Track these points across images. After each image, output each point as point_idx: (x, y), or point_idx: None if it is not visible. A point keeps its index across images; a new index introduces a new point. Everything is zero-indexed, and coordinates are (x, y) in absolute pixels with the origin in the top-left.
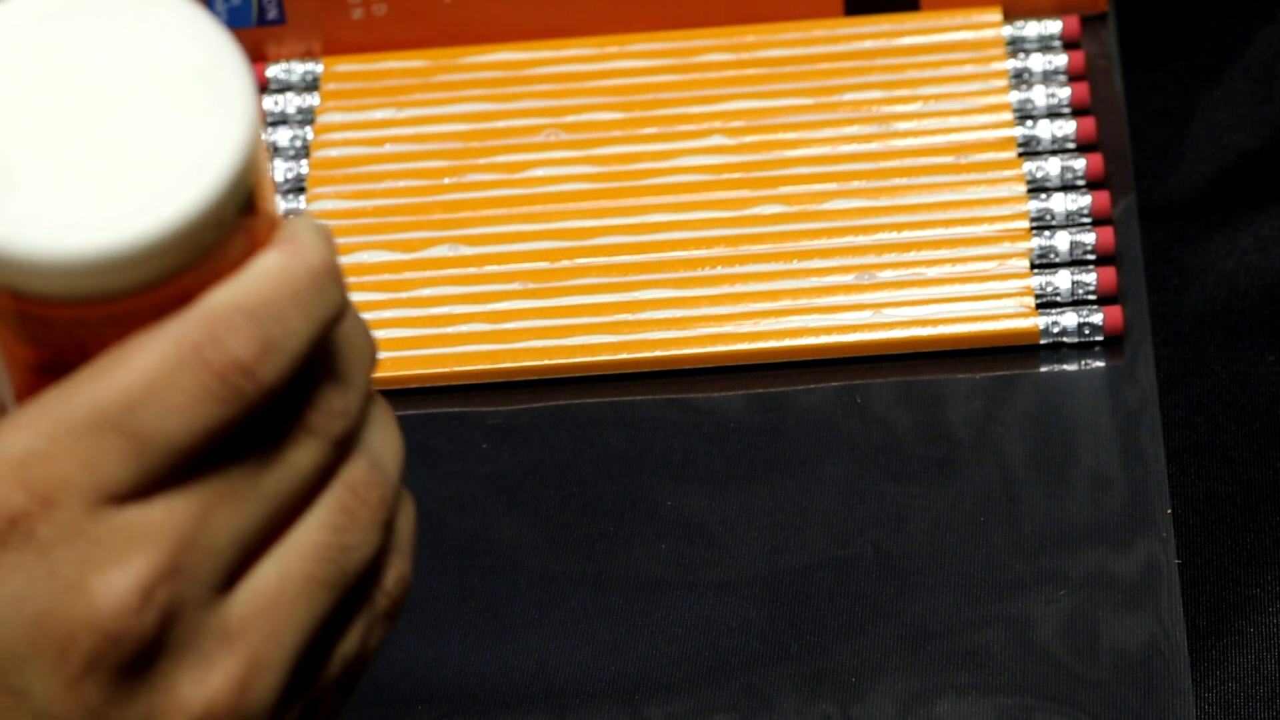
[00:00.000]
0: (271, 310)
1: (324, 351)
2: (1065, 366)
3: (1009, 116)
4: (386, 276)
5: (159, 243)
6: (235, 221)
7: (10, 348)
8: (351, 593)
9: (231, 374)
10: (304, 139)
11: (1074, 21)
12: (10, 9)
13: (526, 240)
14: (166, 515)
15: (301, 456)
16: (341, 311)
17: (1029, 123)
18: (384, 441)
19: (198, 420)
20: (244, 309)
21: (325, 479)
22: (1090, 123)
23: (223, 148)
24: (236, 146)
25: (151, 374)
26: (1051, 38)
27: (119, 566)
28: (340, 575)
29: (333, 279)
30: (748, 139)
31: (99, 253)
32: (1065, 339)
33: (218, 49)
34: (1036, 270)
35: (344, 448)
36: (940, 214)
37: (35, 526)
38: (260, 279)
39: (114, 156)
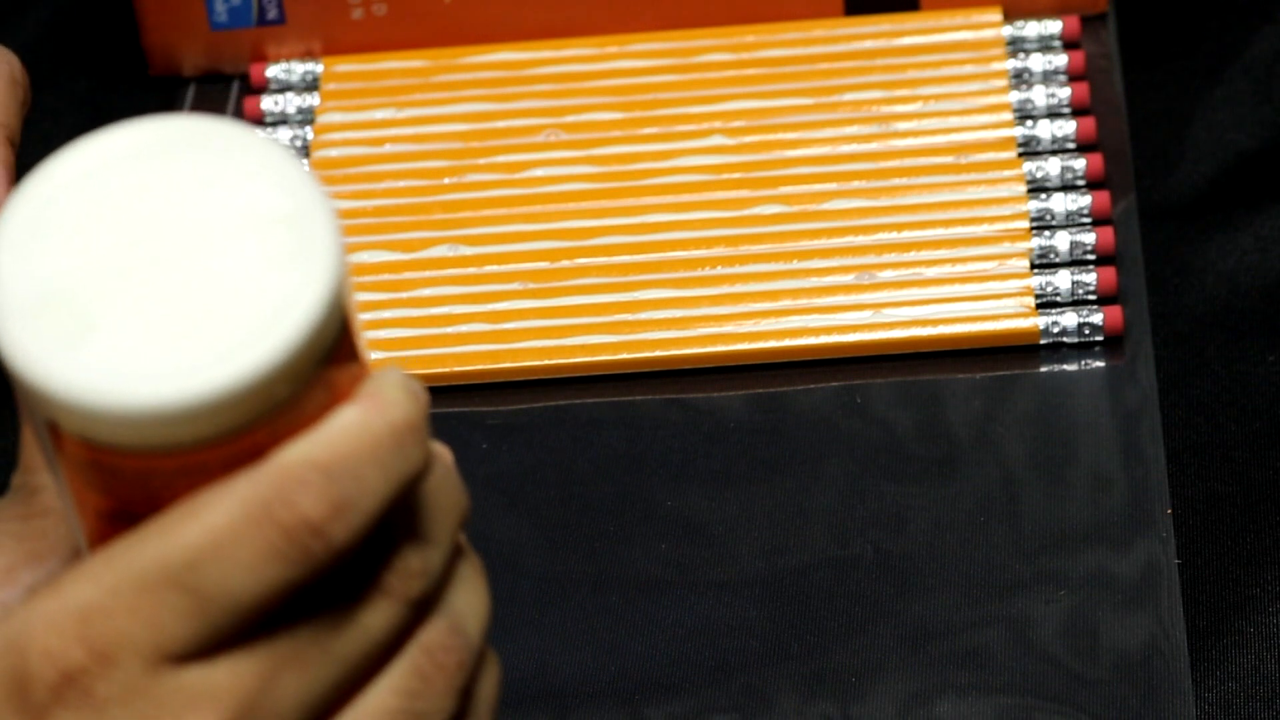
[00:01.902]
0: (347, 468)
1: (405, 508)
2: (1065, 366)
3: (1009, 116)
4: (386, 276)
5: (232, 395)
6: (315, 374)
7: (81, 495)
8: None
9: (301, 533)
10: (304, 139)
11: (1074, 21)
12: (97, 146)
13: (526, 240)
14: (229, 677)
15: (375, 618)
16: (423, 470)
17: (1029, 123)
18: (468, 602)
19: (264, 580)
20: (318, 466)
21: (401, 640)
22: (1090, 123)
23: (303, 300)
24: (317, 299)
25: (218, 530)
26: (1051, 38)
27: None
28: None
29: (416, 437)
30: (748, 139)
31: (169, 404)
32: (1065, 339)
33: (306, 197)
34: (1036, 270)
35: (422, 609)
36: (940, 214)
37: (93, 684)
38: (337, 435)
39: (192, 304)
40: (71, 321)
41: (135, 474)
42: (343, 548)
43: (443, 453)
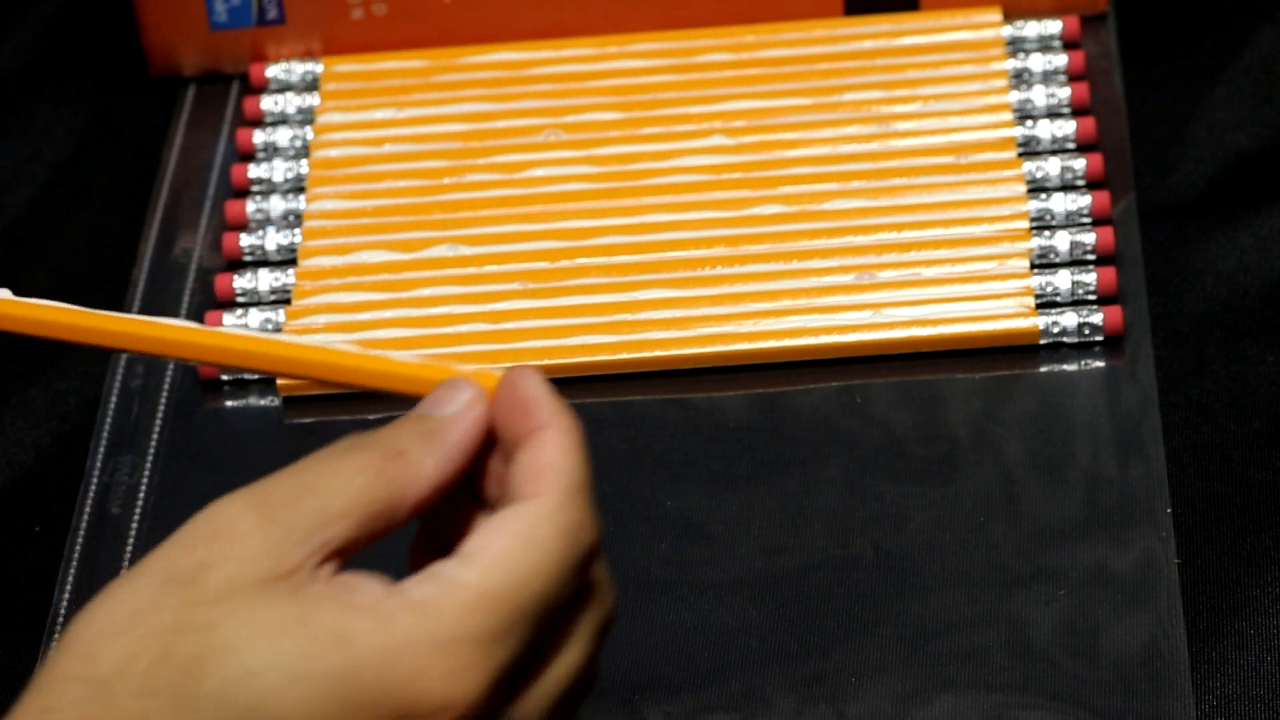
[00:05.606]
0: None
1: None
2: (1065, 366)
3: (1009, 116)
4: (386, 276)
5: None
6: None
7: None
8: None
9: None
10: (304, 139)
11: (1074, 21)
12: None
13: (526, 240)
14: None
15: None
16: None
17: (1029, 123)
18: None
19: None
20: None
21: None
22: (1090, 123)
23: None
24: None
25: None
26: (1051, 38)
27: None
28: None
29: None
30: (748, 139)
31: None
32: (1065, 339)
33: None
34: (1036, 270)
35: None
36: (940, 214)
37: None
38: None
39: None
40: None
41: None
42: None
43: None
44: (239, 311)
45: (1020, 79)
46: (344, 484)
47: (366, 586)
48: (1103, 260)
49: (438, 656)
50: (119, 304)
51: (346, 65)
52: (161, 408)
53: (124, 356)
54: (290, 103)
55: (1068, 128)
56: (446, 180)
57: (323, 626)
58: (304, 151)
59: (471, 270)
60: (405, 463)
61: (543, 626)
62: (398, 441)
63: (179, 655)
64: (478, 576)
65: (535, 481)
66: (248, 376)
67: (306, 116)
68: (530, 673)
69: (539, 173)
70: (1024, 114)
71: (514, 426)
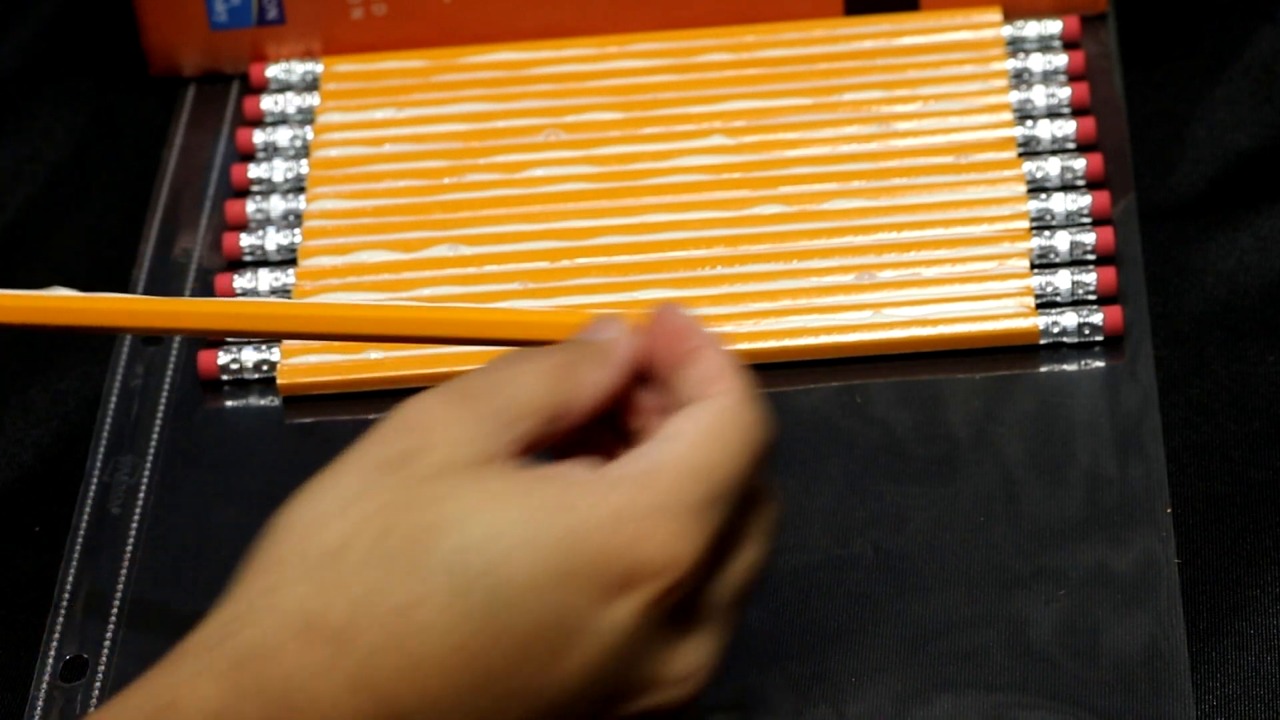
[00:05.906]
0: None
1: None
2: (1065, 366)
3: (1009, 116)
4: (386, 276)
5: None
6: None
7: None
8: None
9: None
10: (304, 139)
11: (1074, 21)
12: None
13: (526, 240)
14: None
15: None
16: None
17: (1029, 123)
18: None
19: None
20: None
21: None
22: (1090, 123)
23: None
24: None
25: None
26: (1051, 38)
27: None
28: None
29: None
30: (748, 139)
31: None
32: (1065, 339)
33: None
34: (1036, 270)
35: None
36: (940, 214)
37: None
38: None
39: None
40: None
41: None
42: None
43: None
44: None
45: (1020, 79)
46: (529, 385)
47: (575, 468)
48: (1103, 260)
49: (658, 521)
50: None
51: (346, 65)
52: (161, 408)
53: (124, 356)
54: (290, 103)
55: (1068, 128)
56: (446, 180)
57: (547, 496)
58: (304, 151)
59: (471, 270)
60: (577, 375)
61: (738, 507)
62: (568, 355)
63: (403, 528)
64: (684, 452)
65: (712, 384)
66: (248, 377)
67: (306, 116)
68: (726, 552)
69: (539, 173)
70: (1024, 114)
71: (672, 351)
